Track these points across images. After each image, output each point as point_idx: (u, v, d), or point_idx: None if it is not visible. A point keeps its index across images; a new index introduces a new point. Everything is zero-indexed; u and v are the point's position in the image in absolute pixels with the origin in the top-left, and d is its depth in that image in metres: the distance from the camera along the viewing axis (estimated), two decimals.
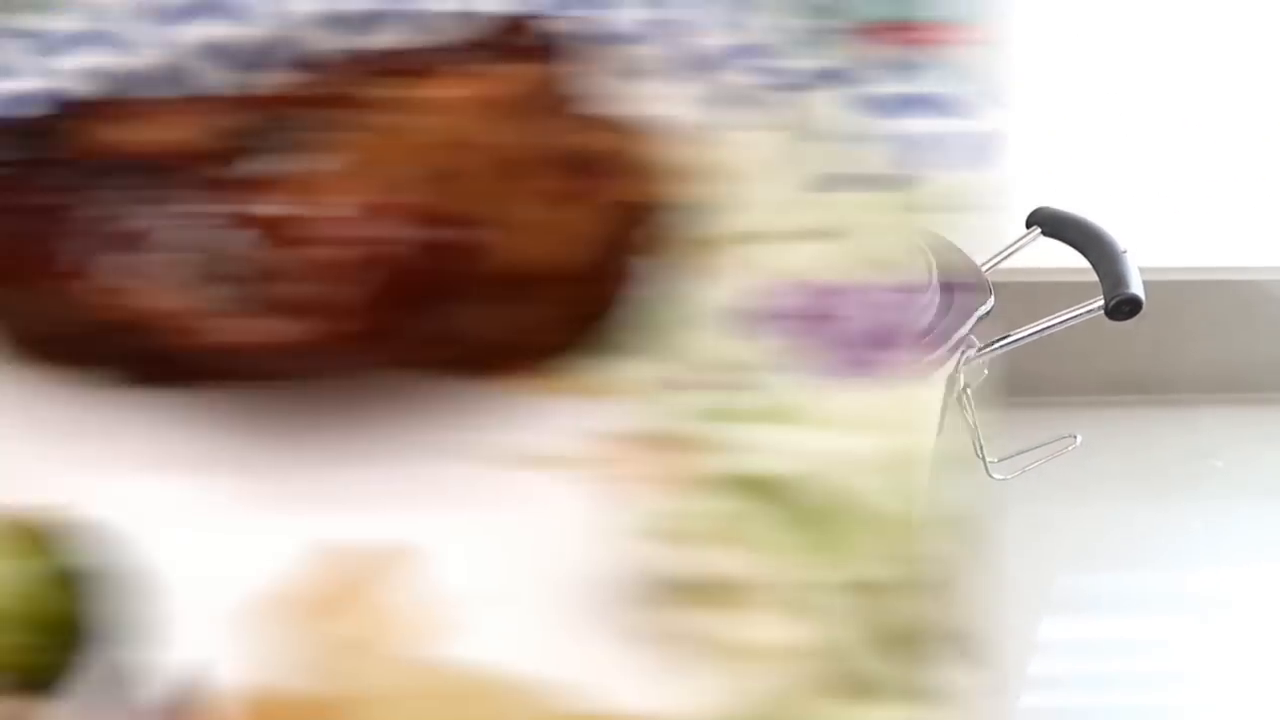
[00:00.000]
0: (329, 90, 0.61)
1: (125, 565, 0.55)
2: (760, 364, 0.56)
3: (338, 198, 0.53)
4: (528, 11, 0.64)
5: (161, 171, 0.56)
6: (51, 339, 0.61)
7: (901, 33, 0.83)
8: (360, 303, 0.51)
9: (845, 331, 0.58)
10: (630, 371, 0.62)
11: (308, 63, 0.61)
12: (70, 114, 0.60)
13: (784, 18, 0.70)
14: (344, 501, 0.59)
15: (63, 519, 0.54)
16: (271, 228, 0.54)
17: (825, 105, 0.65)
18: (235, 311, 0.52)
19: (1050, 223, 0.69)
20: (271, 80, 0.61)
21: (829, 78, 0.66)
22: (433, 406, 0.63)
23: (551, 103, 0.63)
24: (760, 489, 0.53)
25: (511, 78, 0.59)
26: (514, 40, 0.63)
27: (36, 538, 0.51)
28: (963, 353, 0.60)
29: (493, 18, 0.62)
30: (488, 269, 0.53)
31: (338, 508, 0.59)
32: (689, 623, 0.50)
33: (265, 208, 0.55)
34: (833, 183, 0.68)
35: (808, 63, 0.68)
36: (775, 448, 0.53)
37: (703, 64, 0.69)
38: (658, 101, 0.70)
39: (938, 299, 0.60)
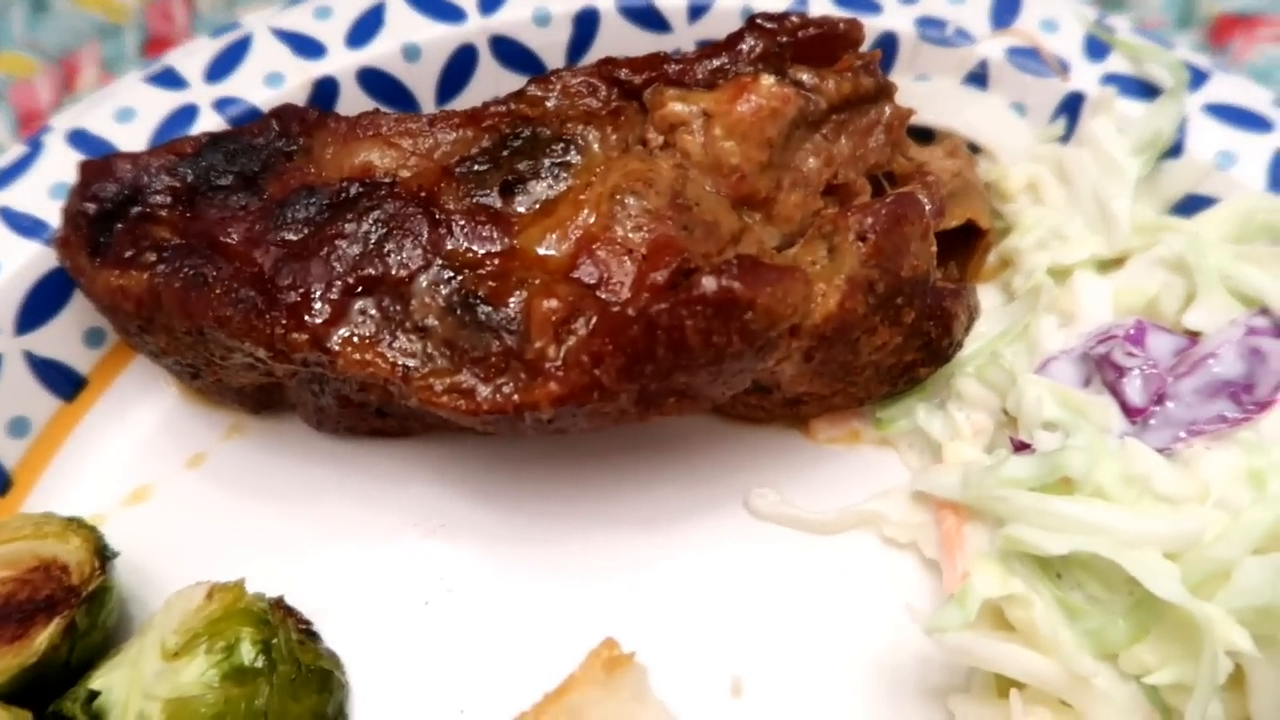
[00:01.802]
0: (575, 107, 0.56)
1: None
2: (1080, 418, 0.53)
3: (578, 240, 0.50)
4: (826, 17, 0.58)
5: (397, 202, 0.53)
6: (271, 388, 0.58)
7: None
8: (612, 365, 0.47)
9: (1211, 379, 0.53)
10: (946, 424, 0.59)
11: (557, 73, 0.57)
12: (301, 130, 0.56)
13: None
14: (629, 566, 0.57)
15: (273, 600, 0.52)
16: (506, 274, 0.50)
17: (1170, 118, 0.61)
18: (475, 372, 0.49)
19: None
20: (521, 91, 0.56)
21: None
22: (733, 457, 0.60)
23: (843, 117, 0.57)
24: (1045, 570, 0.50)
25: (789, 91, 0.54)
26: (810, 48, 0.58)
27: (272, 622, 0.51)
28: None
29: (789, 23, 0.57)
30: (752, 322, 0.48)
31: (619, 574, 0.57)
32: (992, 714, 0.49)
33: (501, 247, 0.51)
34: (1174, 203, 0.62)
35: (1155, 68, 0.63)
36: (1070, 523, 0.49)
37: (1017, 69, 0.62)
38: (956, 112, 0.66)
39: None
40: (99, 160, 0.58)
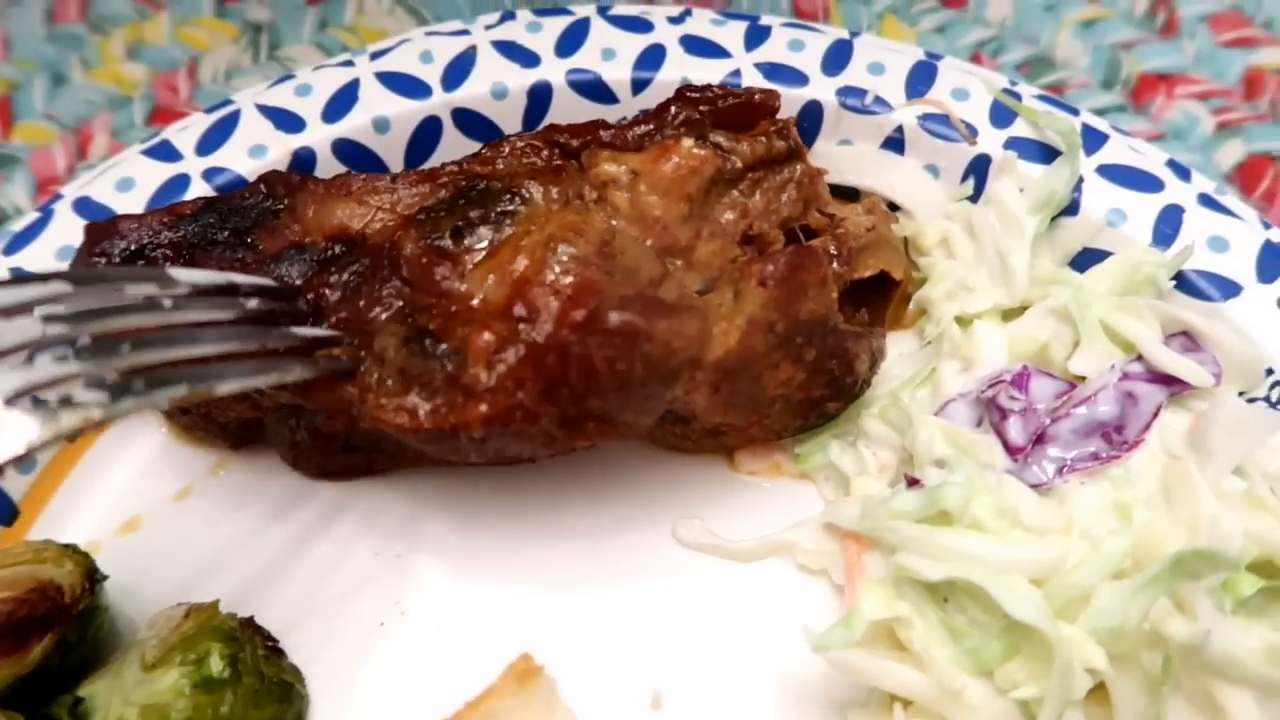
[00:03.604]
0: (521, 165, 0.63)
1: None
2: (965, 456, 0.58)
3: (514, 282, 0.55)
4: (747, 88, 0.66)
5: (371, 253, 0.60)
6: (253, 423, 0.66)
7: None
8: (533, 389, 0.53)
9: (1087, 420, 0.57)
10: (855, 460, 0.64)
11: (506, 138, 0.65)
12: (285, 192, 0.64)
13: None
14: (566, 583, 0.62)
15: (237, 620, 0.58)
16: (453, 312, 0.56)
17: (1063, 179, 0.67)
18: (420, 395, 0.55)
19: None
20: (476, 153, 0.64)
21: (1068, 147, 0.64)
22: (664, 487, 0.66)
23: (758, 175, 0.63)
24: (933, 595, 0.55)
25: (707, 153, 0.61)
26: (729, 116, 0.65)
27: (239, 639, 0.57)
28: None
29: (711, 93, 0.65)
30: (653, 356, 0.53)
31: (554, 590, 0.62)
32: None
33: (450, 288, 0.57)
34: (1072, 257, 0.67)
35: (1049, 133, 0.68)
36: (947, 551, 0.54)
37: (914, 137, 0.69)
38: (875, 173, 0.71)
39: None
40: (104, 222, 0.65)
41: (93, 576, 0.60)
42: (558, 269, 0.57)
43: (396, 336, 0.59)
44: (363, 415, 0.58)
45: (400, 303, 0.59)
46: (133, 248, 0.64)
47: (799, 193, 0.66)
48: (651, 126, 0.65)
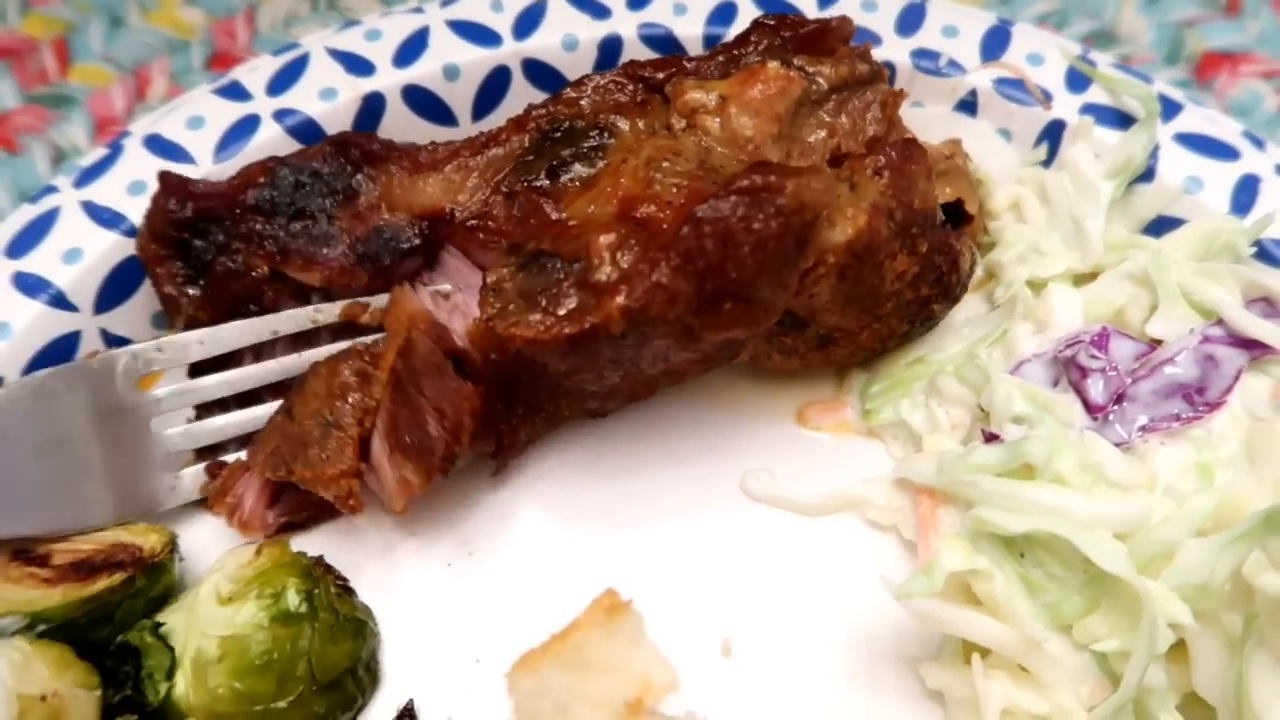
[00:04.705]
0: (606, 102, 0.64)
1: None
2: (1045, 413, 0.58)
3: (620, 200, 0.57)
4: (820, 17, 0.67)
5: (466, 231, 0.61)
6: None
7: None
8: (668, 266, 0.52)
9: (1167, 381, 0.57)
10: (927, 418, 0.64)
11: (588, 76, 0.65)
12: (362, 158, 0.64)
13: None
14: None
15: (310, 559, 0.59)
16: (561, 236, 0.57)
17: (1141, 145, 0.67)
18: (550, 306, 0.56)
19: None
20: (558, 94, 0.65)
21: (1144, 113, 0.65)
22: (738, 443, 0.66)
23: (843, 97, 0.64)
24: (1009, 549, 0.55)
25: (794, 74, 0.61)
26: (804, 42, 0.65)
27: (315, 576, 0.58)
28: None
29: (789, 20, 0.66)
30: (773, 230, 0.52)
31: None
32: (968, 684, 0.53)
33: (552, 221, 0.58)
34: (1146, 224, 0.68)
35: (1129, 99, 0.68)
36: (1030, 505, 0.53)
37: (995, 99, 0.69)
38: (947, 136, 0.70)
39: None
40: (180, 178, 0.64)
41: (173, 544, 0.60)
42: (666, 182, 0.57)
43: (510, 266, 0.59)
44: (496, 340, 0.58)
45: (504, 249, 0.61)
46: (211, 228, 0.64)
47: (884, 113, 0.66)
48: (733, 54, 0.66)
